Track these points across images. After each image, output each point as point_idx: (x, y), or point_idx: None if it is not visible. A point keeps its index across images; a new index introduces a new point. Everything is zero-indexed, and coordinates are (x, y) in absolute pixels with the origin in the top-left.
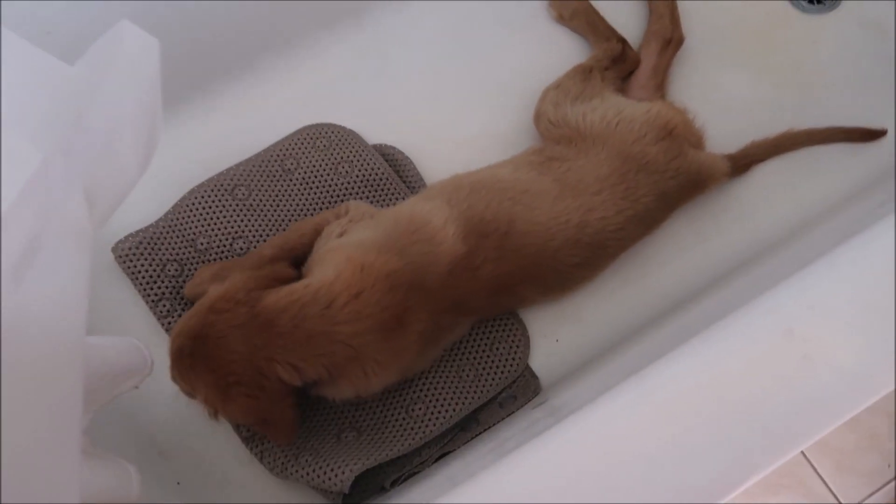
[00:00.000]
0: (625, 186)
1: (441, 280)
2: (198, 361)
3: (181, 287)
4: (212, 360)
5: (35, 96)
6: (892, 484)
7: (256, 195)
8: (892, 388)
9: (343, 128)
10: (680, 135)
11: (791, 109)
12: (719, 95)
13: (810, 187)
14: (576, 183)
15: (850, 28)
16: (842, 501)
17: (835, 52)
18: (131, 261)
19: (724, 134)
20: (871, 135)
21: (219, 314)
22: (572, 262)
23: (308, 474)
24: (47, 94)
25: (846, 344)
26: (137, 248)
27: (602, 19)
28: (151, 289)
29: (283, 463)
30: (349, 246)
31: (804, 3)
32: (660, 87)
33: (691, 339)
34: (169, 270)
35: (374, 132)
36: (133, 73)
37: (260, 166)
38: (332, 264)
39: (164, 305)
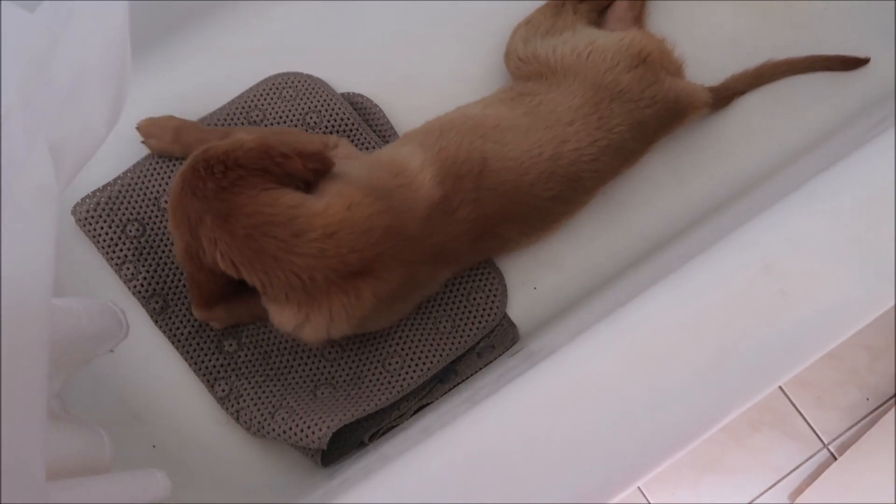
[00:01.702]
0: (598, 116)
1: (420, 227)
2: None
3: (144, 248)
4: (173, 207)
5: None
6: (872, 416)
7: None
8: (870, 320)
9: (310, 76)
10: (655, 62)
11: (776, 42)
12: (702, 30)
13: (790, 122)
14: (547, 114)
15: None
16: (821, 436)
17: None
18: (91, 223)
19: (707, 69)
20: (852, 63)
21: (192, 173)
22: (549, 196)
23: (285, 432)
24: (6, 41)
25: (823, 277)
26: (96, 209)
27: None
28: (114, 251)
29: (259, 422)
30: (342, 182)
31: None
32: (638, 20)
33: (666, 278)
34: (130, 231)
35: (343, 80)
36: (99, 22)
37: (225, 119)
38: (325, 195)
39: (128, 268)
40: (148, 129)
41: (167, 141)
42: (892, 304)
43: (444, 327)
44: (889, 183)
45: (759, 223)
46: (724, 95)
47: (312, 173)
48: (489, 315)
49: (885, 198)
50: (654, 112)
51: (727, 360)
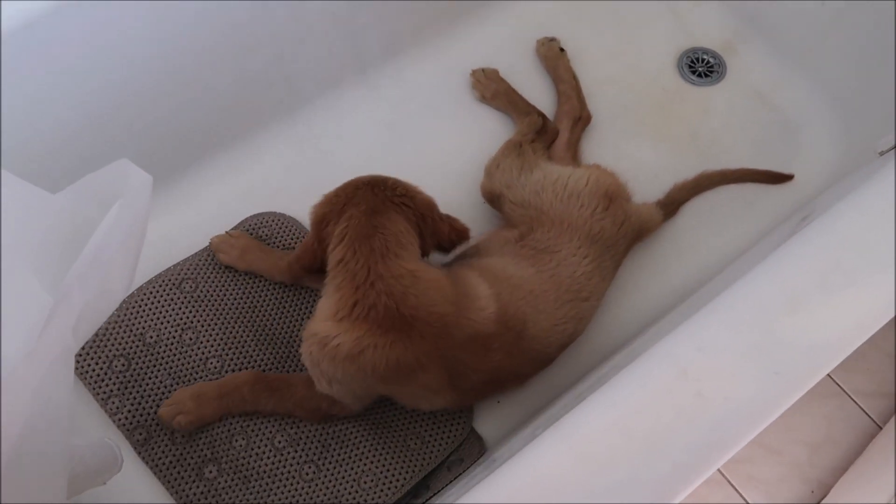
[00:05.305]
0: (600, 273)
1: (459, 343)
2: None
3: (129, 381)
4: (347, 185)
5: (28, 228)
6: None
7: (203, 287)
8: (776, 415)
9: (283, 215)
10: (617, 196)
11: (692, 173)
12: (628, 163)
13: (714, 240)
14: (568, 283)
15: (736, 97)
16: None
17: (724, 119)
18: (79, 361)
19: (636, 197)
20: (778, 178)
21: (382, 179)
22: (555, 357)
23: None
24: (39, 224)
25: (732, 379)
26: (84, 347)
27: (521, 97)
28: (100, 387)
29: None
30: (438, 269)
31: (694, 77)
32: (574, 158)
33: (601, 388)
34: (116, 366)
35: None
36: (130, 207)
37: (205, 260)
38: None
39: (114, 402)
40: (219, 245)
41: (234, 257)
42: (794, 399)
43: (414, 445)
44: (779, 295)
45: (675, 336)
46: (671, 207)
47: (450, 243)
48: (456, 431)
49: (774, 308)
50: (626, 244)
51: (658, 456)
